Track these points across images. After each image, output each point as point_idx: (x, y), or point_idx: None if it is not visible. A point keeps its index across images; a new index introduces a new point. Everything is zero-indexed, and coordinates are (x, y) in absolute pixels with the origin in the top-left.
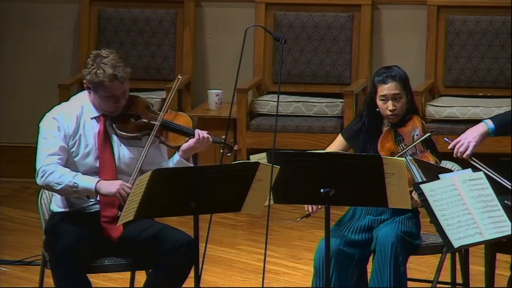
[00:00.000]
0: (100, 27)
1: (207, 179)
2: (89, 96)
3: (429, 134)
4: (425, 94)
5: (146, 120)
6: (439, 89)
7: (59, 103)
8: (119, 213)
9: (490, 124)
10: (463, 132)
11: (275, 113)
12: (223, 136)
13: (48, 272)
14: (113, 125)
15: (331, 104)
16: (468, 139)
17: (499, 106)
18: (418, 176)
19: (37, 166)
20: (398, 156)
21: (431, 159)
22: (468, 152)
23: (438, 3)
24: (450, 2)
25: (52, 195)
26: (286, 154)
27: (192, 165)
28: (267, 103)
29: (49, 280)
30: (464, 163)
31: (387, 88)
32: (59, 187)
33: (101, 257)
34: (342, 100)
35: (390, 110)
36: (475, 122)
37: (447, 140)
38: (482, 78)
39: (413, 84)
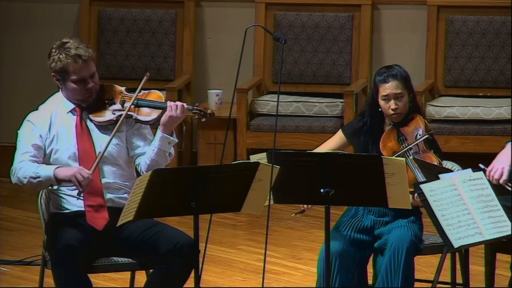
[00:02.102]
0: (100, 27)
1: (207, 179)
2: (62, 92)
3: (427, 135)
4: (425, 94)
5: (119, 103)
6: (439, 89)
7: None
8: (80, 197)
9: None
10: (463, 132)
11: (275, 113)
12: (197, 104)
13: (48, 272)
14: (89, 114)
15: (331, 104)
16: (501, 165)
17: (499, 106)
18: (421, 176)
19: (13, 166)
20: (399, 155)
21: (434, 159)
22: (504, 177)
23: (438, 3)
24: (450, 2)
25: (50, 197)
26: (286, 154)
27: (176, 140)
28: (267, 103)
29: (49, 280)
30: (465, 163)
31: (389, 87)
32: (25, 181)
33: (101, 257)
34: (342, 100)
35: (392, 109)
36: (475, 122)
37: (482, 166)
38: (482, 78)
39: (413, 84)
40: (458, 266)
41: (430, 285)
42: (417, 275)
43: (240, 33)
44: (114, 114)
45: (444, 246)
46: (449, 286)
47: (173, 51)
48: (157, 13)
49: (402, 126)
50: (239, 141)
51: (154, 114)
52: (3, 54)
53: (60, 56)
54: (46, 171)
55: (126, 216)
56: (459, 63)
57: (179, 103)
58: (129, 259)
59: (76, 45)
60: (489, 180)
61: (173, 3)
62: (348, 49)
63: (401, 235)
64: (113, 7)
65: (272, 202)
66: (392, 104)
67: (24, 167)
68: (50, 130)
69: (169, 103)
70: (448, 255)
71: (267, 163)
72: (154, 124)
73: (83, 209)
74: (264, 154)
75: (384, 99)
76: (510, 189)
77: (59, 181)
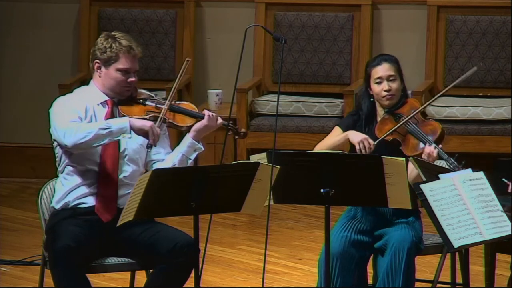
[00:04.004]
0: (100, 27)
1: (207, 179)
2: (96, 81)
3: (427, 104)
4: (425, 94)
5: (153, 104)
6: (439, 89)
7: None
8: (149, 142)
9: None
10: (463, 132)
11: (275, 113)
12: (231, 121)
13: (48, 272)
14: (120, 110)
15: (331, 104)
16: None
17: (499, 106)
18: (421, 134)
19: (61, 131)
20: (400, 126)
21: (436, 125)
22: None
23: (438, 3)
24: (450, 2)
25: (54, 192)
26: (286, 154)
27: (203, 148)
28: (267, 103)
29: (49, 280)
30: (465, 163)
31: (381, 69)
32: (91, 135)
33: (102, 257)
34: (342, 100)
35: (385, 91)
36: (475, 122)
37: (505, 181)
38: (482, 78)
39: (413, 84)
40: (458, 266)
41: (430, 285)
42: (417, 275)
43: (240, 33)
44: (147, 114)
45: (444, 246)
46: (449, 286)
47: (173, 51)
48: (157, 13)
49: (396, 109)
50: (239, 141)
51: (189, 121)
52: (4, 54)
53: (113, 45)
54: (117, 122)
55: (126, 216)
56: (459, 63)
57: (215, 114)
58: (129, 259)
59: (128, 38)
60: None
61: (173, 3)
62: (348, 49)
63: (402, 236)
64: (113, 7)
65: (272, 202)
66: (385, 85)
67: (84, 124)
68: (86, 116)
69: (207, 112)
70: (448, 255)
71: (267, 163)
72: (184, 131)
73: (86, 205)
74: (264, 154)
75: (377, 82)
76: None
77: (133, 130)
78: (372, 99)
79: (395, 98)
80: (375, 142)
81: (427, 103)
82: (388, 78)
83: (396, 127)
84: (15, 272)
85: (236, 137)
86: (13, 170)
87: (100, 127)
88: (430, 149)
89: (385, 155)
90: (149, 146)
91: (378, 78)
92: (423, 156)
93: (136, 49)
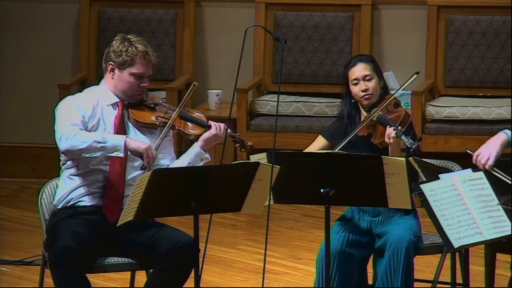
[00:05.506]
0: (100, 27)
1: (207, 179)
2: (108, 82)
3: (393, 96)
4: (425, 94)
5: (163, 110)
6: (439, 89)
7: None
8: (143, 164)
9: (509, 133)
10: (463, 132)
11: (275, 113)
12: (238, 134)
13: (48, 272)
14: (130, 112)
15: (331, 104)
16: (489, 150)
17: (499, 106)
18: (385, 122)
19: (59, 133)
20: (370, 118)
21: (402, 111)
22: (490, 162)
23: (438, 3)
24: (450, 2)
25: (55, 191)
26: (286, 154)
27: (209, 158)
28: (267, 103)
29: (49, 280)
30: (465, 163)
31: (357, 70)
32: (84, 145)
33: (101, 257)
34: (342, 100)
35: (362, 91)
36: (475, 122)
37: (469, 152)
38: (482, 78)
39: (413, 84)
40: (458, 266)
41: (430, 285)
42: (417, 275)
43: (240, 33)
44: (157, 119)
45: (444, 246)
46: (449, 286)
47: (173, 51)
48: (157, 13)
49: (375, 106)
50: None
51: (198, 130)
52: (3, 54)
53: (129, 49)
54: (114, 138)
55: (126, 216)
56: (459, 63)
57: (222, 125)
58: (129, 259)
59: (144, 43)
60: (475, 165)
61: (173, 3)
62: (348, 49)
63: (400, 235)
64: (113, 7)
65: (272, 202)
66: (362, 85)
67: (82, 133)
68: (93, 117)
69: (213, 123)
70: (448, 255)
71: (267, 163)
72: (192, 140)
73: (87, 203)
74: (264, 154)
75: (354, 84)
76: (497, 174)
77: (129, 150)
78: (353, 100)
79: (374, 97)
80: (342, 143)
81: (395, 91)
82: (364, 78)
83: (367, 120)
84: (15, 272)
85: (243, 149)
86: (13, 170)
87: (96, 140)
88: (389, 130)
89: (366, 150)
90: (143, 168)
91: (355, 79)
92: (385, 139)
93: (152, 54)
